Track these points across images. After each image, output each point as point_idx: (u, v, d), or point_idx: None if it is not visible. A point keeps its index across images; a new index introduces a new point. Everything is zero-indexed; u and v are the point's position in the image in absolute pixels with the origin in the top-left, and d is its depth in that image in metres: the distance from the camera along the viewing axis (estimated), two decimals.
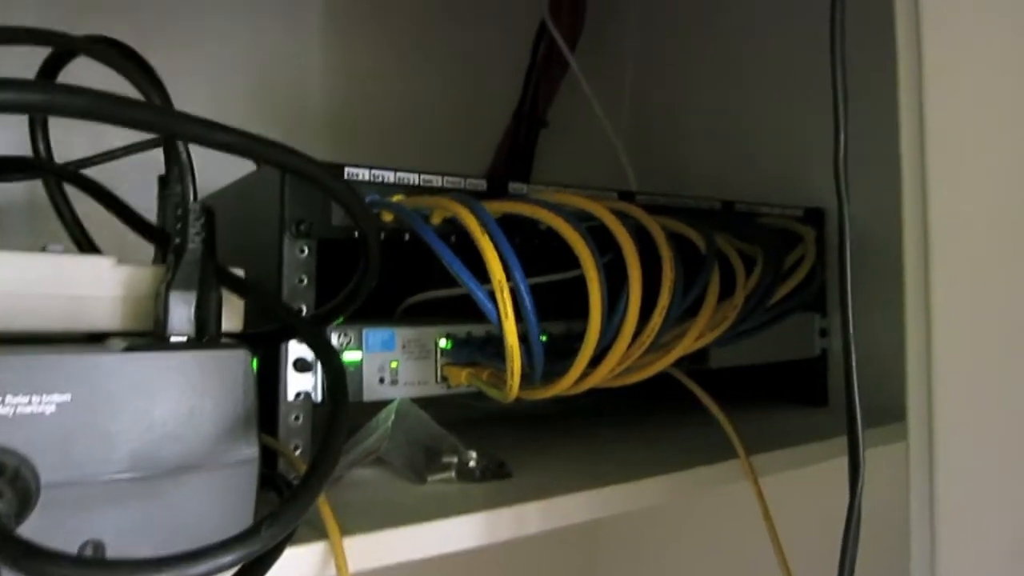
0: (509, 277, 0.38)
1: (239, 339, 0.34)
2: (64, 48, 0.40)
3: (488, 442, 0.50)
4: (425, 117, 0.90)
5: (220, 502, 0.32)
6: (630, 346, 0.42)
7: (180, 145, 0.34)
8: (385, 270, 0.61)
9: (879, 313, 0.64)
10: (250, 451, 0.33)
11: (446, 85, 0.92)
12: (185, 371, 0.31)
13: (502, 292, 0.37)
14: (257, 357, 0.34)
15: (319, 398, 0.46)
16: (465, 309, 0.50)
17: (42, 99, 0.25)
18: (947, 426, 0.35)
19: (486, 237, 0.38)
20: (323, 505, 0.38)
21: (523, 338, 0.41)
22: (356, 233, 0.37)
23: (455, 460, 0.48)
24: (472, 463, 0.48)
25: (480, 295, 0.39)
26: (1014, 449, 0.33)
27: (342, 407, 0.30)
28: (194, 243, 0.34)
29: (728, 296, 0.49)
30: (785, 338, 0.72)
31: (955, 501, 0.32)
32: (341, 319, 0.39)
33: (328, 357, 0.33)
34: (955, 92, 0.37)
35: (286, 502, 0.26)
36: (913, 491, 0.36)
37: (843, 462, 0.63)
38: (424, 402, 0.49)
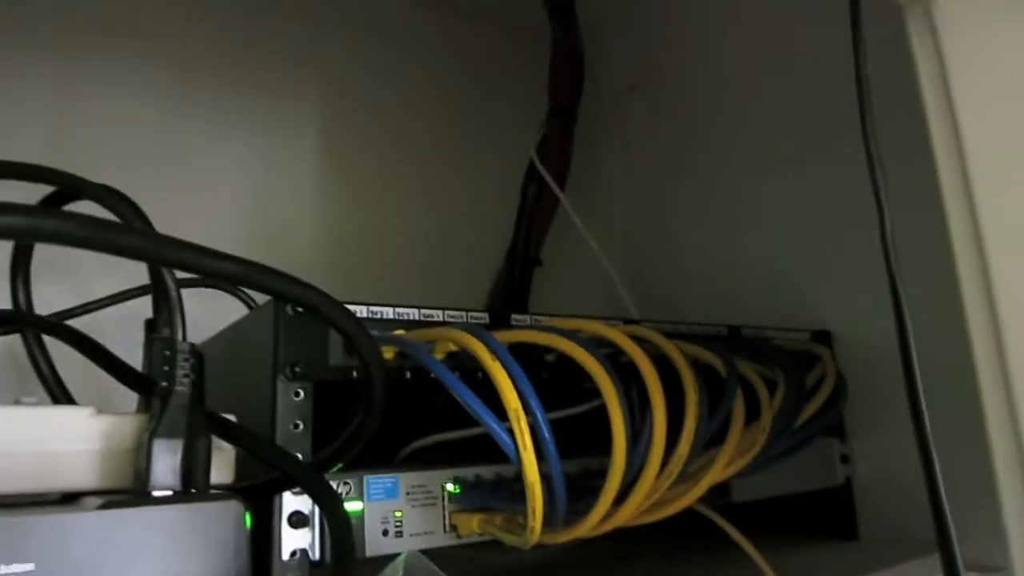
0: (526, 408, 0.35)
1: (231, 491, 0.30)
2: (69, 189, 0.39)
3: None
4: (418, 258, 0.89)
5: None
6: (658, 477, 0.38)
7: (169, 281, 0.32)
8: (386, 412, 0.58)
9: (900, 441, 0.61)
10: None
11: (439, 225, 0.92)
12: (168, 529, 0.28)
13: (519, 423, 0.34)
14: (250, 511, 0.30)
15: (317, 556, 0.41)
16: (470, 453, 0.47)
17: (30, 224, 0.22)
18: None
19: (498, 364, 0.35)
20: None
21: (543, 476, 0.38)
22: (355, 373, 0.34)
23: None
24: None
25: (496, 427, 0.36)
26: None
27: (350, 566, 0.26)
28: (182, 386, 0.31)
29: (753, 420, 0.46)
30: (806, 466, 0.68)
31: None
32: (339, 466, 0.36)
33: (332, 506, 0.29)
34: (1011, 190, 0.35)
35: None
36: None
37: None
38: (430, 555, 0.44)
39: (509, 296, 0.87)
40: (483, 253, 0.91)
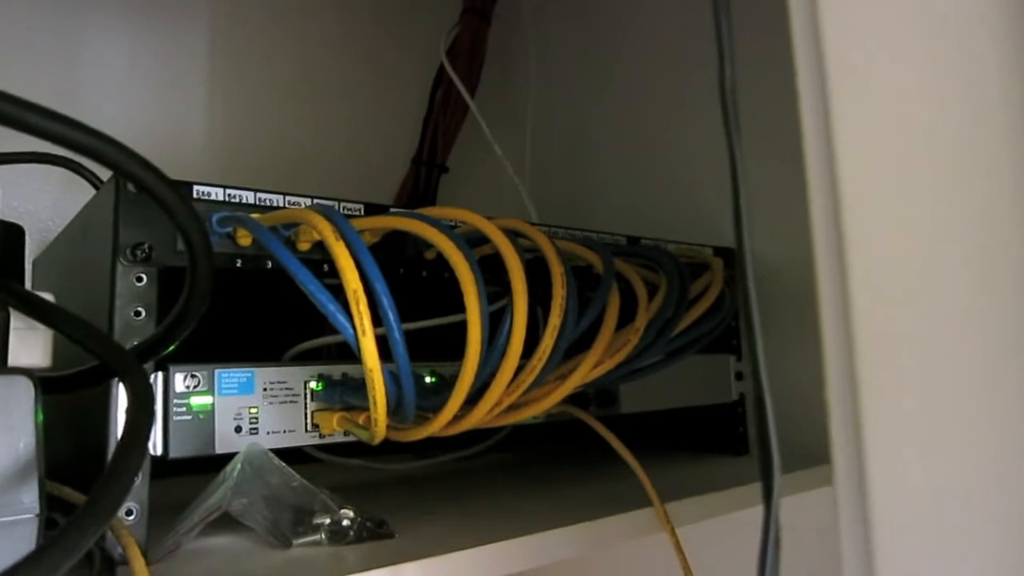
0: (368, 290, 0.32)
1: (22, 371, 0.27)
2: None
3: (377, 506, 0.44)
4: (320, 164, 0.85)
5: None
6: (516, 376, 0.36)
7: None
8: (268, 312, 0.55)
9: (792, 354, 0.61)
10: (27, 505, 0.26)
11: (341, 131, 0.88)
12: None
13: (358, 304, 0.32)
14: (41, 393, 0.27)
15: (159, 451, 0.39)
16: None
17: None
18: (879, 469, 0.30)
19: (341, 244, 0.33)
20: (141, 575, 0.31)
21: (396, 378, 0.36)
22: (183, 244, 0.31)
23: (327, 521, 0.41)
24: (347, 522, 0.41)
25: (332, 308, 0.33)
26: (951, 488, 0.28)
27: (138, 429, 0.23)
28: None
29: (630, 322, 0.44)
30: (699, 382, 0.68)
31: (894, 548, 0.27)
32: (168, 350, 0.33)
33: (138, 393, 0.26)
34: (865, 107, 0.33)
35: (21, 563, 0.20)
36: (845, 536, 0.31)
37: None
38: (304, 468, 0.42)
39: (414, 203, 0.84)
40: (388, 159, 0.88)
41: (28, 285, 0.34)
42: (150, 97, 0.77)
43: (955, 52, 0.29)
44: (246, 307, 0.58)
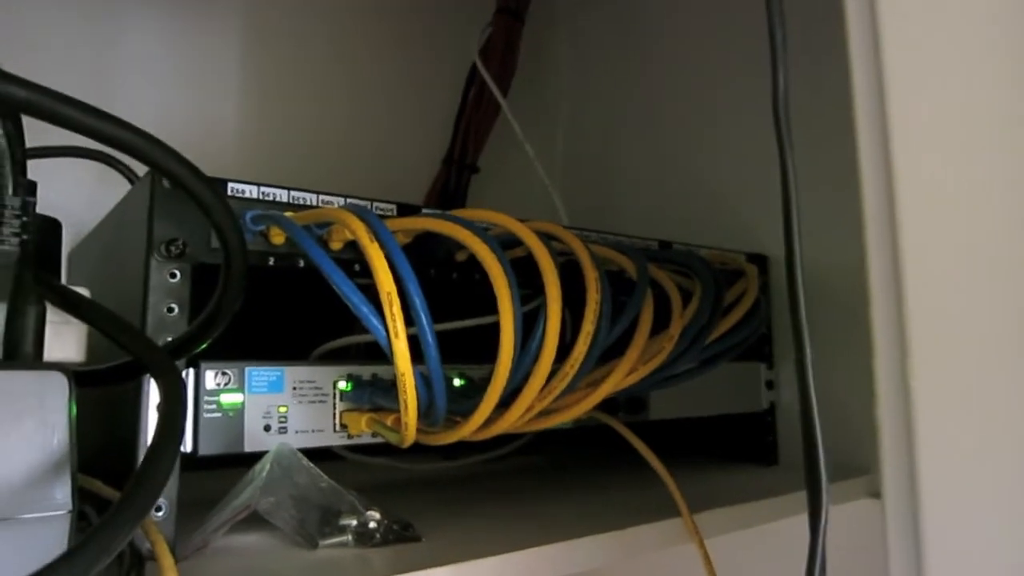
0: (402, 292, 0.32)
1: (59, 366, 0.27)
2: None
3: (403, 507, 0.43)
4: (350, 163, 0.85)
5: (13, 570, 0.25)
6: (548, 381, 0.36)
7: None
8: (298, 311, 0.55)
9: (828, 367, 0.60)
10: (60, 501, 0.26)
11: (373, 130, 0.88)
12: None
13: (391, 307, 0.31)
14: (75, 388, 0.27)
15: (188, 448, 0.39)
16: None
17: None
18: (933, 483, 0.29)
19: (375, 245, 0.32)
20: (168, 573, 0.31)
21: (427, 380, 0.35)
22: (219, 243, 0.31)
23: (353, 522, 0.41)
24: (373, 524, 0.41)
25: (365, 311, 0.33)
26: (1007, 500, 0.27)
27: (171, 429, 0.23)
28: (8, 244, 0.28)
29: (664, 328, 0.43)
30: (730, 389, 0.67)
31: (945, 560, 0.26)
32: (201, 348, 0.33)
33: (170, 391, 0.26)
34: (922, 119, 0.32)
35: (56, 563, 0.20)
36: (892, 550, 0.30)
37: (795, 523, 0.58)
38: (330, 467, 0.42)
39: (444, 203, 0.84)
40: (419, 158, 0.87)
41: (64, 279, 0.35)
42: (184, 94, 0.77)
43: (1017, 54, 0.28)
44: (275, 305, 0.58)
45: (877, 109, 0.32)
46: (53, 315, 0.31)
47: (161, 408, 0.25)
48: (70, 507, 0.26)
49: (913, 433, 0.29)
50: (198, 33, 0.79)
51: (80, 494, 0.39)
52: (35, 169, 0.34)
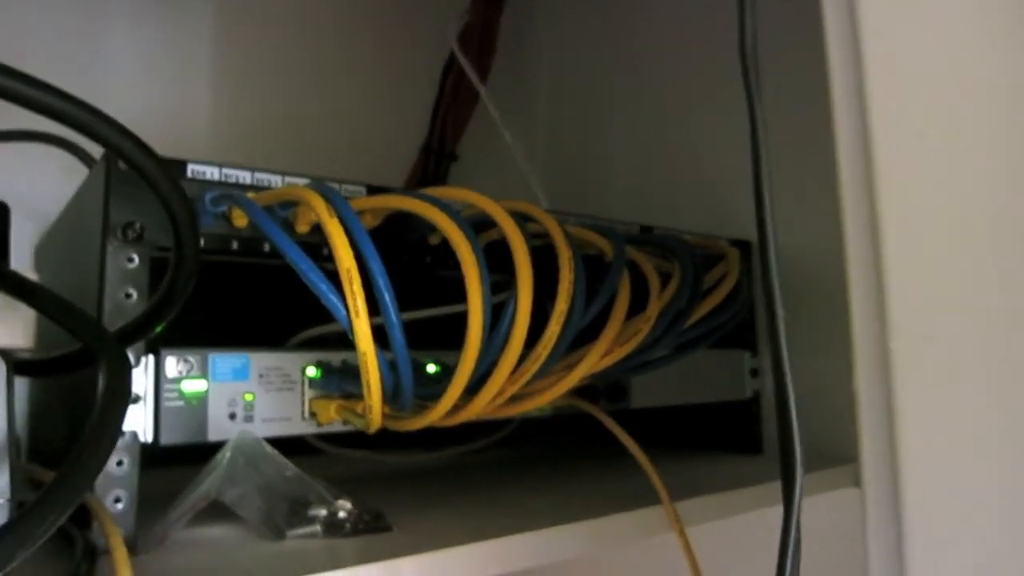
0: (366, 273, 0.31)
1: (33, 363, 0.26)
2: None
3: (378, 499, 0.42)
4: (327, 151, 0.84)
5: None
6: (520, 364, 0.35)
7: None
8: (273, 301, 0.54)
9: (815, 356, 0.59)
10: None
11: (349, 117, 0.86)
12: None
13: (351, 284, 0.30)
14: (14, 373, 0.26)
15: (149, 438, 0.38)
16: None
17: None
18: (914, 471, 0.29)
19: (334, 221, 0.31)
20: (120, 566, 0.29)
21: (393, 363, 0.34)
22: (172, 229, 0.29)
23: (323, 512, 0.40)
24: (343, 515, 0.40)
25: (323, 287, 0.31)
26: (986, 489, 0.26)
27: (110, 407, 0.22)
28: None
29: (641, 312, 0.42)
30: (713, 378, 0.66)
31: (925, 548, 0.25)
32: (155, 332, 0.31)
33: (112, 379, 0.25)
34: (903, 104, 0.31)
35: None
36: (872, 539, 0.29)
37: (778, 512, 0.58)
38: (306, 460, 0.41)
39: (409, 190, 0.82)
40: (397, 145, 0.86)
41: (30, 273, 0.33)
42: (156, 82, 0.76)
43: (998, 31, 0.27)
44: (249, 295, 0.56)
45: (854, 83, 0.31)
46: None
47: (101, 387, 0.24)
48: (8, 496, 0.25)
49: (894, 421, 0.28)
50: (171, 20, 0.77)
51: (37, 487, 0.38)
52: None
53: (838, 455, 0.60)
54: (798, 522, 0.22)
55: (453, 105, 0.83)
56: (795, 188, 0.63)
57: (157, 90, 0.76)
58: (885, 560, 0.23)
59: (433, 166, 0.83)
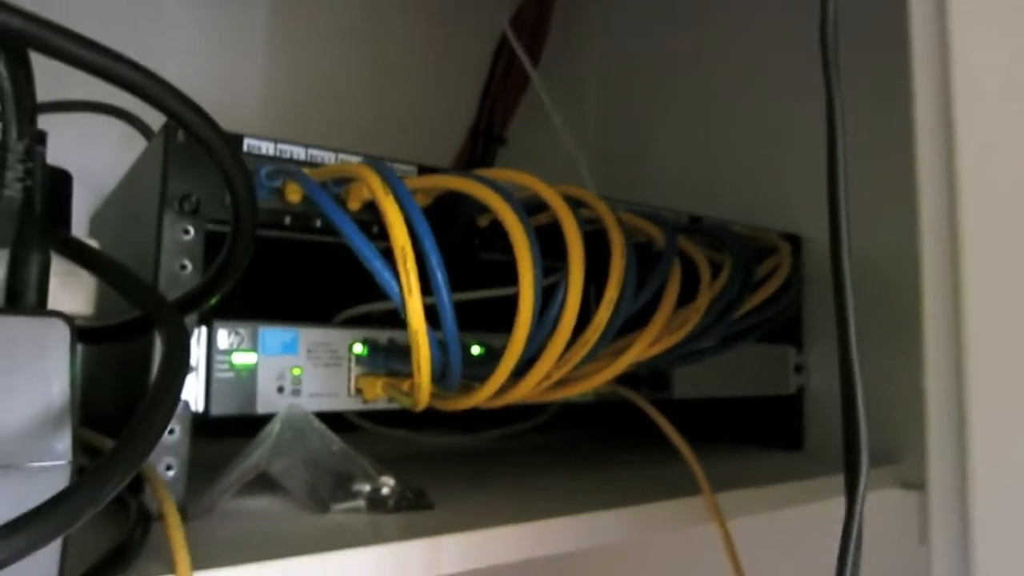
0: (419, 251, 0.31)
1: (59, 314, 0.26)
2: None
3: (418, 478, 0.42)
4: (376, 131, 0.84)
5: (12, 514, 0.24)
6: (568, 349, 0.35)
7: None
8: (321, 277, 0.54)
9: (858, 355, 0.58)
10: (59, 451, 0.25)
11: (400, 98, 0.87)
12: None
13: (405, 262, 0.30)
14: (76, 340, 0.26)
15: (200, 407, 0.38)
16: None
17: None
18: (984, 474, 0.27)
19: (390, 199, 0.31)
20: (174, 531, 0.30)
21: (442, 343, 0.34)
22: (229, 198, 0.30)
23: (367, 488, 0.40)
24: (386, 491, 0.40)
25: (377, 264, 0.32)
26: None
27: (171, 375, 0.22)
28: (12, 190, 0.27)
29: (691, 302, 0.42)
30: (757, 371, 0.66)
31: (995, 553, 0.24)
32: (211, 304, 0.32)
33: (172, 348, 0.25)
34: (989, 87, 0.30)
35: (41, 507, 0.19)
36: (936, 545, 0.28)
37: (818, 509, 0.57)
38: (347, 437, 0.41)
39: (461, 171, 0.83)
40: (445, 128, 0.86)
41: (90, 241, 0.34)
42: (211, 57, 0.77)
43: None
44: (298, 272, 0.57)
45: (938, 72, 0.30)
46: (60, 267, 0.31)
47: (161, 356, 0.24)
48: (70, 458, 0.25)
49: (965, 423, 0.27)
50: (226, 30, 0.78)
51: (93, 453, 0.39)
52: (56, 130, 0.34)
53: (878, 454, 0.60)
54: (861, 518, 0.22)
55: (503, 89, 0.83)
56: (859, 185, 0.62)
57: (210, 63, 0.76)
58: (950, 563, 0.23)
59: (481, 149, 0.83)
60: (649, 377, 0.55)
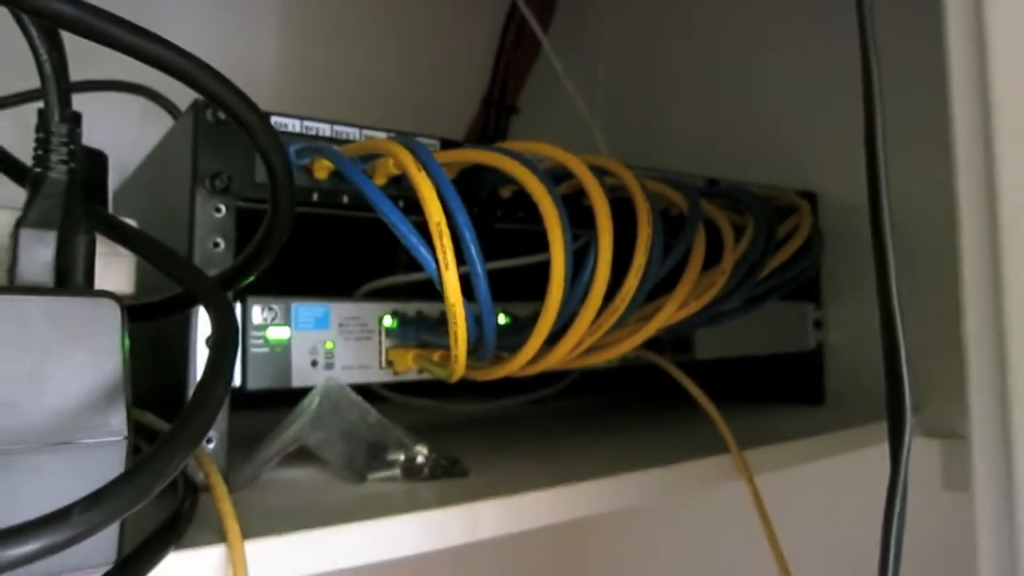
0: (452, 226, 0.31)
1: (108, 293, 0.27)
2: None
3: (449, 446, 0.43)
4: (388, 101, 0.84)
5: (69, 494, 0.25)
6: (600, 314, 0.35)
7: (40, 47, 0.27)
8: (343, 253, 0.55)
9: (871, 306, 0.59)
10: (116, 427, 0.26)
11: (410, 69, 0.86)
12: (24, 321, 0.24)
13: (441, 239, 0.31)
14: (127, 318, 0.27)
15: (237, 382, 0.39)
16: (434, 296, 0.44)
17: None
18: None
19: (423, 175, 0.32)
20: (222, 502, 0.31)
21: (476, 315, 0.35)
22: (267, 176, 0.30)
23: (401, 457, 0.41)
24: (421, 459, 0.41)
25: (415, 241, 0.32)
26: None
27: (224, 354, 0.23)
28: (57, 172, 0.28)
29: (715, 266, 0.42)
30: (777, 329, 0.66)
31: None
32: (248, 281, 0.32)
33: (221, 324, 0.26)
34: None
35: (116, 481, 0.20)
36: (980, 491, 0.28)
37: (843, 462, 0.58)
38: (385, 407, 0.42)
39: (484, 144, 0.83)
40: (458, 98, 0.86)
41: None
42: (225, 32, 0.77)
43: None
44: (321, 247, 0.58)
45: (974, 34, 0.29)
46: (102, 246, 0.31)
47: (213, 333, 0.25)
48: (125, 434, 0.26)
49: (1006, 370, 0.27)
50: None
51: (135, 429, 0.40)
52: (79, 109, 0.34)
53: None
54: (907, 468, 0.22)
55: (514, 56, 0.83)
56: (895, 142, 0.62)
57: (224, 42, 0.76)
58: (994, 521, 0.23)
59: (494, 119, 0.83)
60: (671, 342, 0.56)
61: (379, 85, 0.84)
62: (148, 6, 0.71)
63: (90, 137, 0.38)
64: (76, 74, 0.35)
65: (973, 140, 0.28)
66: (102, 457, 0.26)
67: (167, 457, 0.20)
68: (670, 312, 0.38)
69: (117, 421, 0.26)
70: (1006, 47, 0.25)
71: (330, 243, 0.56)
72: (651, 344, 0.53)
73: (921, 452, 0.60)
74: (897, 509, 0.21)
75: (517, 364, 0.36)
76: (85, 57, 0.34)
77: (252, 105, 0.27)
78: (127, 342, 0.27)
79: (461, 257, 0.33)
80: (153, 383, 0.44)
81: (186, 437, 0.20)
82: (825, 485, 0.67)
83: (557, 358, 0.36)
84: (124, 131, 0.64)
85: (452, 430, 0.58)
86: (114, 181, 0.62)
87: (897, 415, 0.21)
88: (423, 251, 0.32)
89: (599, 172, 0.39)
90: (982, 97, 0.25)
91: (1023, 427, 0.22)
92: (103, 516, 0.19)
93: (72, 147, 0.28)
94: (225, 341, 0.24)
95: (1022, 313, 0.24)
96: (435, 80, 0.87)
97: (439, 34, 0.89)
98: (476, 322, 0.34)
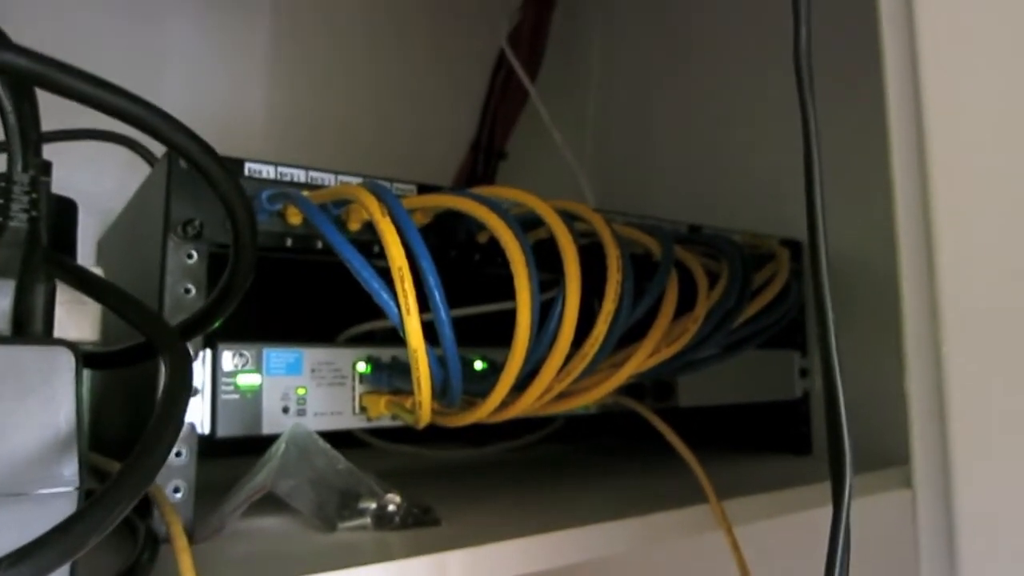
0: (417, 271, 0.31)
1: (64, 342, 0.27)
2: None
3: (425, 493, 0.43)
4: (376, 145, 0.85)
5: (21, 542, 0.24)
6: (568, 362, 0.35)
7: (4, 96, 0.28)
8: (324, 297, 0.55)
9: (869, 357, 0.59)
10: (67, 478, 0.25)
11: (399, 115, 0.87)
12: None
13: (403, 282, 0.31)
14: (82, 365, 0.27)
15: (206, 430, 0.39)
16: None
17: None
18: (967, 473, 0.28)
19: (387, 220, 0.32)
20: (182, 553, 0.30)
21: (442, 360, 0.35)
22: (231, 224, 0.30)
23: (372, 505, 0.40)
24: (392, 508, 0.40)
25: (375, 285, 0.32)
26: None
27: (174, 399, 0.23)
28: (17, 220, 0.28)
29: (690, 312, 0.42)
30: (763, 377, 0.66)
31: (979, 551, 0.25)
32: (214, 326, 0.32)
33: (175, 374, 0.26)
34: (960, 101, 0.31)
35: (48, 535, 0.19)
36: (924, 541, 0.28)
37: (827, 512, 0.57)
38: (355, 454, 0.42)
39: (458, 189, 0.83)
40: (446, 144, 0.87)
41: (95, 268, 0.35)
42: (212, 77, 0.78)
43: None
44: (301, 292, 0.58)
45: (911, 93, 0.30)
46: (66, 295, 0.31)
47: (165, 380, 0.25)
48: (77, 484, 0.26)
49: (947, 422, 0.28)
50: (228, 19, 0.79)
51: (102, 476, 0.39)
52: (62, 157, 0.35)
53: (891, 457, 0.60)
54: (847, 523, 0.22)
55: (502, 103, 0.83)
56: (847, 188, 0.63)
57: (213, 84, 0.77)
58: (937, 563, 0.23)
59: (482, 164, 0.83)
60: (653, 387, 0.55)
61: (368, 131, 0.85)
62: (144, 60, 0.73)
63: (75, 185, 0.39)
64: (59, 122, 0.36)
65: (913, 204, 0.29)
66: (54, 507, 0.25)
67: (106, 507, 0.19)
68: (641, 359, 0.38)
69: (69, 471, 0.26)
70: (941, 108, 0.26)
71: (311, 288, 0.56)
72: (632, 390, 0.53)
73: (907, 505, 0.60)
74: (839, 558, 0.20)
75: (486, 410, 0.35)
76: (68, 106, 0.34)
77: (212, 153, 0.27)
78: (82, 391, 0.26)
79: (428, 306, 0.33)
80: (127, 431, 0.43)
81: (127, 486, 0.20)
82: (811, 536, 0.66)
83: (526, 404, 0.36)
84: (109, 178, 0.65)
85: (432, 476, 0.57)
86: (100, 229, 0.63)
87: (837, 466, 0.21)
88: (384, 296, 0.32)
89: (569, 217, 0.39)
90: (919, 166, 0.26)
91: (964, 477, 0.22)
92: (31, 571, 0.18)
93: (34, 196, 0.28)
94: (175, 388, 0.24)
95: (958, 365, 0.24)
96: (424, 126, 0.88)
97: (429, 81, 0.90)
98: (442, 367, 0.34)
